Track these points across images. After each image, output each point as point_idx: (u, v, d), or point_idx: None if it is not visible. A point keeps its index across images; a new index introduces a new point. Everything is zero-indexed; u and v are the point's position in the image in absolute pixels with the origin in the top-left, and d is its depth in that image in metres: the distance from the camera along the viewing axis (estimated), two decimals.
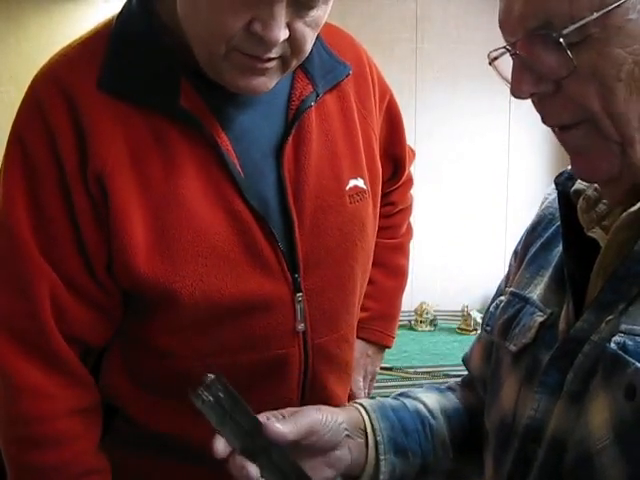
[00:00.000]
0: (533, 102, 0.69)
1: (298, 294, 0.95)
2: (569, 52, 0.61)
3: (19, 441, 0.92)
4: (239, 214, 0.90)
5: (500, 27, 0.67)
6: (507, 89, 0.71)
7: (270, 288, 0.93)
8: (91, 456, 0.94)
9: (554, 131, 0.69)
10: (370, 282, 1.15)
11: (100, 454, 0.95)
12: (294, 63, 0.87)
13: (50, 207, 0.88)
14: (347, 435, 0.79)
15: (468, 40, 2.84)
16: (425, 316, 2.88)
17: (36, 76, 0.91)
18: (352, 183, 0.99)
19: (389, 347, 1.29)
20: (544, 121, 0.69)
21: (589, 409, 0.63)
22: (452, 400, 0.92)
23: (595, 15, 0.59)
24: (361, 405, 0.85)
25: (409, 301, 2.88)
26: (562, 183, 0.77)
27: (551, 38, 0.61)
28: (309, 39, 0.84)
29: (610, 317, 0.66)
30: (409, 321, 2.89)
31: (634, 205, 0.66)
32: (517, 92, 0.67)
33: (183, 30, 0.87)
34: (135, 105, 0.87)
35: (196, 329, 0.93)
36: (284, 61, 0.86)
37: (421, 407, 0.88)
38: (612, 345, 0.63)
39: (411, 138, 1.18)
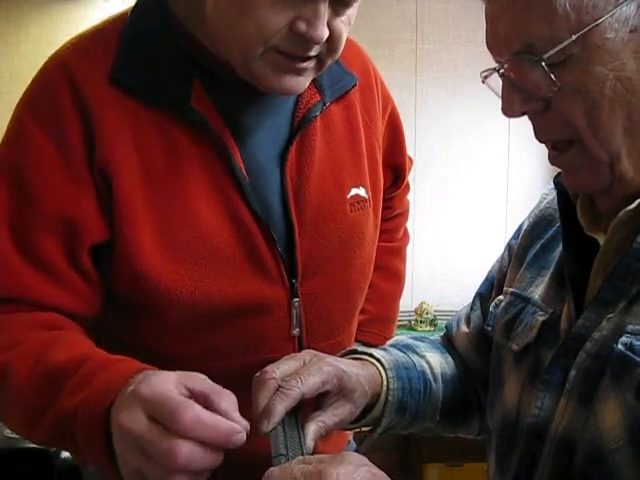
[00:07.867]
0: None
1: (295, 299, 0.95)
2: (551, 74, 0.63)
3: None
4: (241, 218, 0.90)
5: (487, 48, 0.70)
6: None
7: (268, 292, 0.93)
8: None
9: (547, 147, 0.71)
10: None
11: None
12: (329, 62, 0.87)
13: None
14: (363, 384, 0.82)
15: (468, 40, 2.84)
16: (425, 316, 2.88)
17: (48, 61, 0.90)
18: (354, 192, 1.00)
19: None
20: (536, 137, 0.70)
21: (600, 410, 0.64)
22: (451, 365, 0.96)
23: (574, 37, 0.61)
24: (379, 362, 0.88)
25: (409, 301, 2.88)
26: (561, 183, 0.77)
27: (534, 61, 0.63)
28: (344, 36, 0.85)
29: (611, 315, 0.66)
30: (409, 321, 2.89)
31: (631, 203, 0.66)
32: (508, 112, 0.69)
33: (198, 29, 0.87)
34: (144, 102, 0.87)
35: (192, 332, 0.92)
36: (319, 60, 0.86)
37: (426, 368, 0.92)
38: (619, 346, 0.63)
39: (411, 138, 1.18)
